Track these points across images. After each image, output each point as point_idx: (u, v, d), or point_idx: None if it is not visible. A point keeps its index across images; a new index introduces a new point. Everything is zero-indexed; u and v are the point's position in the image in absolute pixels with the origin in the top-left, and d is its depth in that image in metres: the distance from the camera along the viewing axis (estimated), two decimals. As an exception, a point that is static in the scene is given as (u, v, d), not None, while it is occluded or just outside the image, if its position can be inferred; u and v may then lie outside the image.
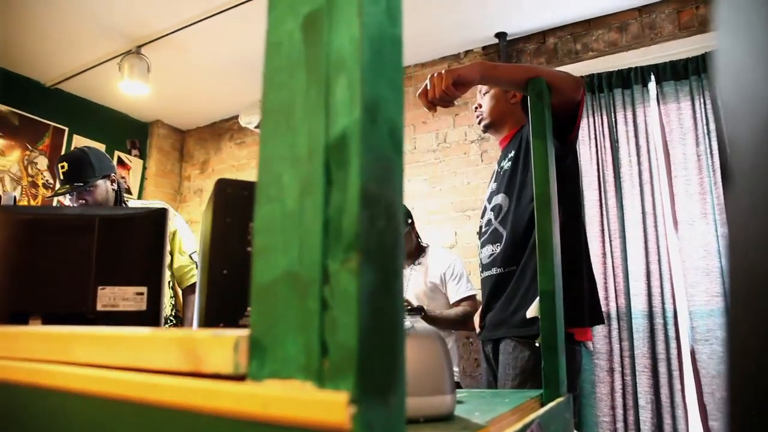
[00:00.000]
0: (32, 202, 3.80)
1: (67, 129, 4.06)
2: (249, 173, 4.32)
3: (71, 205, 2.19)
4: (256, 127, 3.63)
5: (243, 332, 0.39)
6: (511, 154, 1.72)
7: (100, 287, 1.07)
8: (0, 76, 3.64)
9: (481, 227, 1.81)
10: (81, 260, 1.08)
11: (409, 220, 2.55)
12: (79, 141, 4.16)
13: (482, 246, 1.76)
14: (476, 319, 2.00)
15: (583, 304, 1.58)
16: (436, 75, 1.33)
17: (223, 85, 3.91)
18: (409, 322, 1.12)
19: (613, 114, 2.65)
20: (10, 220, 1.12)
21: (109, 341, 0.51)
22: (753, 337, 0.32)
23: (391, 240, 0.34)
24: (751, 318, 0.33)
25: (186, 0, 2.93)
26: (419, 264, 2.54)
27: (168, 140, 4.77)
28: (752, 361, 0.32)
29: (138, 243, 1.17)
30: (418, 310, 2.31)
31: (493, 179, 1.82)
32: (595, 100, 2.69)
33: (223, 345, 0.40)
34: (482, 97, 1.84)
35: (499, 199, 1.71)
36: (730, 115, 0.34)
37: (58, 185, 2.20)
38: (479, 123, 1.85)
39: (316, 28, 0.37)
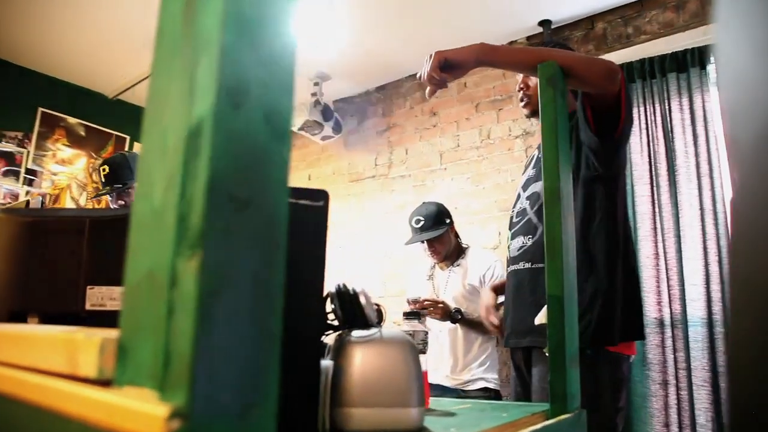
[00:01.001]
0: (95, 206, 4.00)
1: (128, 137, 4.26)
2: (299, 175, 4.35)
3: (113, 206, 2.30)
4: (300, 129, 3.63)
5: (112, 334, 0.37)
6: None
7: (89, 287, 1.07)
8: (68, 91, 3.89)
9: (512, 217, 1.67)
10: (73, 260, 1.08)
11: (448, 220, 2.45)
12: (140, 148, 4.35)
13: (513, 237, 1.63)
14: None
15: (613, 320, 1.41)
16: (429, 55, 1.23)
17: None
18: (407, 325, 1.05)
19: (666, 101, 2.41)
20: (12, 223, 1.15)
21: (16, 340, 0.50)
22: (752, 343, 0.32)
23: (255, 235, 0.32)
24: (752, 322, 0.32)
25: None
26: (458, 265, 2.44)
27: (225, 146, 4.88)
28: (751, 366, 0.32)
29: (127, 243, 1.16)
30: (456, 313, 2.24)
31: (532, 165, 1.67)
32: (646, 87, 2.46)
33: (91, 347, 0.37)
34: (529, 78, 1.66)
35: (538, 187, 1.55)
36: (731, 116, 0.34)
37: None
38: (524, 106, 1.67)
39: (191, 9, 0.35)
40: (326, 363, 0.76)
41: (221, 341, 0.29)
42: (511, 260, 1.61)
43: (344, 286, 0.88)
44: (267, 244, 0.33)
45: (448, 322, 2.28)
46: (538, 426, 0.84)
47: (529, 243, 1.54)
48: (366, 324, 0.87)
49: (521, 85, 1.67)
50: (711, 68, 2.38)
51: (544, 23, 2.91)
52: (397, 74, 3.73)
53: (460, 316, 2.22)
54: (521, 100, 1.67)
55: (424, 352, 1.02)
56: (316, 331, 0.71)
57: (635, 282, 1.49)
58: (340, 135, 3.89)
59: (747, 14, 0.34)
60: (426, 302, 2.23)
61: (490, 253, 2.61)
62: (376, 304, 0.98)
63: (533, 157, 1.70)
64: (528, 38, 3.09)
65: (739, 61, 0.34)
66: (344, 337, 0.77)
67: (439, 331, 2.39)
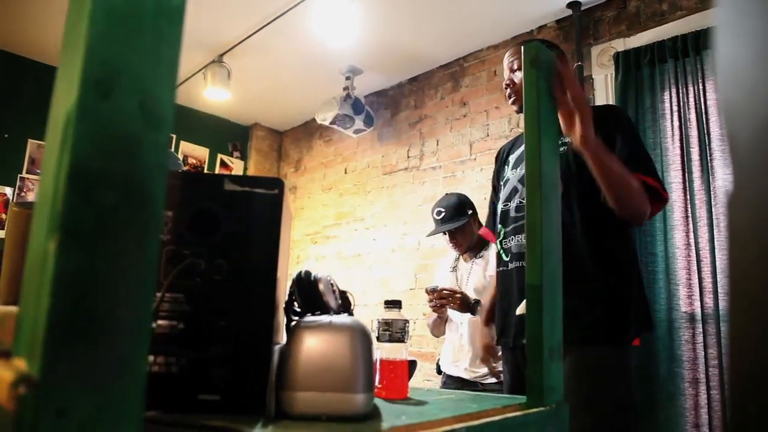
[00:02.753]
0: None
1: (174, 136, 4.39)
2: (335, 169, 4.39)
3: None
4: (332, 123, 3.65)
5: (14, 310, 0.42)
6: (568, 138, 1.47)
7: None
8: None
9: (507, 211, 1.62)
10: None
11: (470, 211, 2.40)
12: (186, 147, 4.49)
13: (512, 234, 1.59)
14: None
15: (629, 314, 1.40)
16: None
17: (307, 83, 4.01)
18: (387, 313, 1.03)
19: (700, 81, 2.25)
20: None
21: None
22: (751, 340, 0.32)
23: (125, 217, 0.33)
24: (748, 320, 0.33)
25: (257, 2, 3.02)
26: (481, 257, 2.38)
27: (266, 141, 4.99)
28: (749, 367, 0.32)
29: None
30: (476, 304, 2.19)
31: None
32: (679, 67, 2.31)
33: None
34: (513, 74, 1.64)
35: None
36: (730, 115, 0.34)
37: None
38: (512, 103, 1.65)
39: (75, 4, 0.37)
40: (276, 347, 0.76)
41: (77, 317, 0.30)
42: (512, 257, 1.57)
43: (305, 273, 0.88)
44: (138, 224, 0.34)
45: (469, 314, 2.23)
46: (500, 417, 0.80)
47: None
48: (326, 310, 0.86)
49: (507, 82, 1.65)
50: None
51: (573, 5, 2.79)
52: (429, 65, 3.69)
53: (479, 308, 2.17)
54: (509, 98, 1.66)
55: (403, 341, 1.00)
56: (267, 316, 0.70)
57: (639, 273, 1.48)
58: (373, 128, 3.89)
59: (747, 13, 0.34)
60: (444, 292, 2.20)
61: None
62: (343, 292, 0.97)
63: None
64: (557, 21, 2.98)
65: (738, 59, 0.34)
66: (297, 322, 0.77)
67: (460, 323, 2.34)
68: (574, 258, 1.38)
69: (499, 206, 1.66)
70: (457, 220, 2.35)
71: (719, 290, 2.08)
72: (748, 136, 0.33)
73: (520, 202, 1.57)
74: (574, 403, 1.30)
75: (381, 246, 3.81)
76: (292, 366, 0.68)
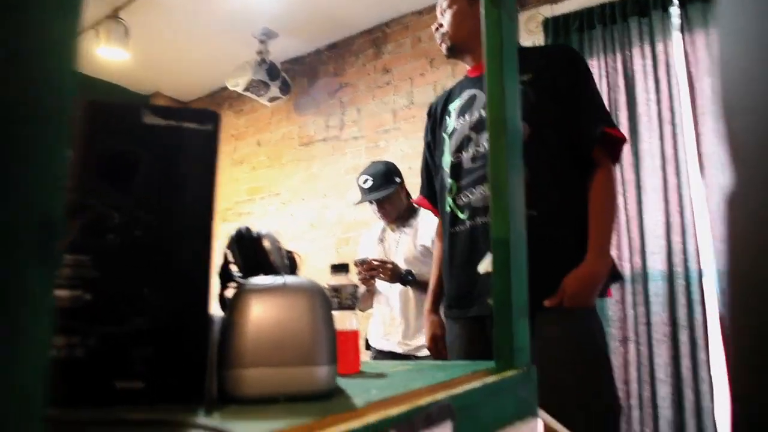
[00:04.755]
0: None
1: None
2: (247, 141, 4.14)
3: None
4: (245, 89, 3.42)
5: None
6: (525, 77, 1.42)
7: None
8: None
9: (459, 164, 1.50)
10: None
11: (398, 179, 2.30)
12: (75, 115, 4.07)
13: (470, 186, 1.47)
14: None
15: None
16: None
17: (216, 47, 3.72)
18: (333, 279, 0.90)
19: (627, 47, 2.29)
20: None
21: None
22: (751, 337, 0.32)
23: None
24: (749, 318, 0.33)
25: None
26: (409, 226, 2.30)
27: (169, 112, 4.63)
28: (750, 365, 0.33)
29: None
30: (407, 275, 2.11)
31: (481, 105, 1.50)
32: (606, 33, 2.33)
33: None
34: (443, 16, 1.56)
35: None
36: (729, 113, 0.34)
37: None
38: (441, 45, 1.59)
39: None
40: (216, 317, 0.62)
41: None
42: (476, 212, 1.45)
43: (246, 229, 0.74)
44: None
45: (399, 285, 2.15)
46: (478, 384, 0.70)
47: None
48: (273, 272, 0.73)
49: (436, 25, 1.60)
50: (673, 11, 2.26)
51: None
52: (349, 30, 3.53)
53: (410, 278, 2.10)
54: (439, 41, 1.61)
55: (353, 308, 0.89)
56: (202, 278, 0.57)
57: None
58: (289, 97, 3.69)
59: (747, 13, 0.34)
60: (374, 263, 2.10)
61: (444, 213, 2.48)
62: (290, 251, 0.84)
63: (469, 96, 1.54)
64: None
65: (740, 59, 0.34)
66: (241, 287, 0.63)
67: (390, 295, 2.26)
68: (543, 214, 1.33)
69: (447, 160, 1.54)
70: (385, 188, 2.24)
71: (646, 250, 2.13)
72: (748, 135, 0.33)
73: (477, 151, 1.47)
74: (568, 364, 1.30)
75: (299, 221, 3.65)
76: (239, 338, 0.56)
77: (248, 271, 0.70)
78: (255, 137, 4.10)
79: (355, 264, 2.16)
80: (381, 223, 2.39)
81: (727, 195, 0.33)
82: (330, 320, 0.64)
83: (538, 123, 1.39)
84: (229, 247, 0.71)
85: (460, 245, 1.47)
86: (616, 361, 2.11)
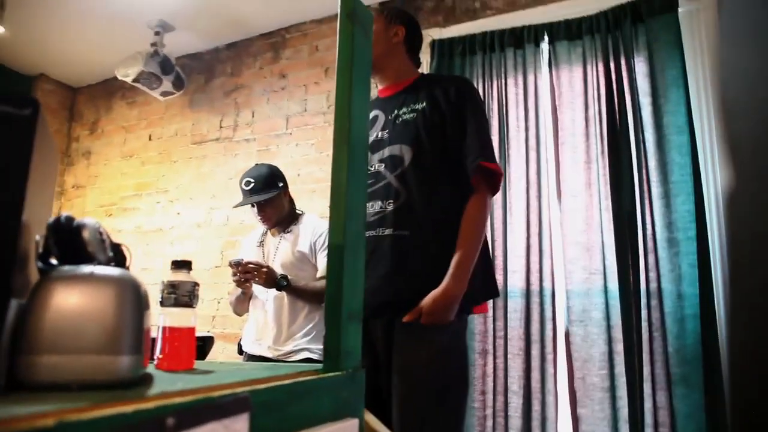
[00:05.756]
0: None
1: None
2: (138, 134, 3.96)
3: None
4: (135, 80, 3.27)
5: None
6: (419, 106, 1.56)
7: None
8: None
9: None
10: None
11: (281, 184, 2.29)
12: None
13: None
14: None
15: (474, 278, 1.46)
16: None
17: (108, 36, 3.54)
18: (173, 275, 0.89)
19: (503, 76, 2.44)
20: None
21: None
22: (752, 339, 0.26)
23: None
24: (749, 319, 0.24)
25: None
26: (290, 232, 2.29)
27: (55, 97, 4.33)
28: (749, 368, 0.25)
29: None
30: (282, 280, 2.10)
31: (378, 126, 1.61)
32: (486, 61, 2.47)
33: None
34: None
35: (396, 150, 1.53)
36: (730, 115, 0.24)
37: None
38: None
39: None
40: (14, 303, 0.60)
41: None
42: (371, 225, 1.54)
43: (66, 218, 0.72)
44: None
45: (274, 290, 2.14)
46: (286, 382, 0.73)
47: (391, 208, 1.50)
48: (90, 263, 0.72)
49: None
50: (544, 47, 2.44)
51: (398, -11, 2.85)
52: (249, 32, 3.49)
53: (285, 283, 2.09)
54: None
55: (191, 306, 0.89)
56: (6, 263, 0.55)
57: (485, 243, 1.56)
58: (184, 93, 3.58)
59: (747, 14, 0.32)
60: (249, 266, 2.08)
61: (324, 221, 2.50)
62: (118, 244, 0.83)
63: (375, 117, 1.64)
64: (380, 4, 3.02)
65: (741, 62, 0.31)
66: (45, 274, 0.62)
67: (265, 300, 2.24)
68: (416, 236, 1.48)
69: None
70: (267, 191, 2.23)
71: (509, 269, 2.27)
72: (749, 136, 0.34)
73: (373, 170, 1.56)
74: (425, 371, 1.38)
75: (186, 220, 3.53)
76: (34, 324, 0.57)
77: (65, 260, 0.68)
78: (147, 131, 3.92)
79: (230, 264, 2.12)
80: (263, 227, 2.37)
81: (728, 195, 0.36)
82: (139, 313, 0.64)
83: (420, 149, 1.51)
84: (47, 234, 0.69)
85: None
86: (476, 372, 2.22)
